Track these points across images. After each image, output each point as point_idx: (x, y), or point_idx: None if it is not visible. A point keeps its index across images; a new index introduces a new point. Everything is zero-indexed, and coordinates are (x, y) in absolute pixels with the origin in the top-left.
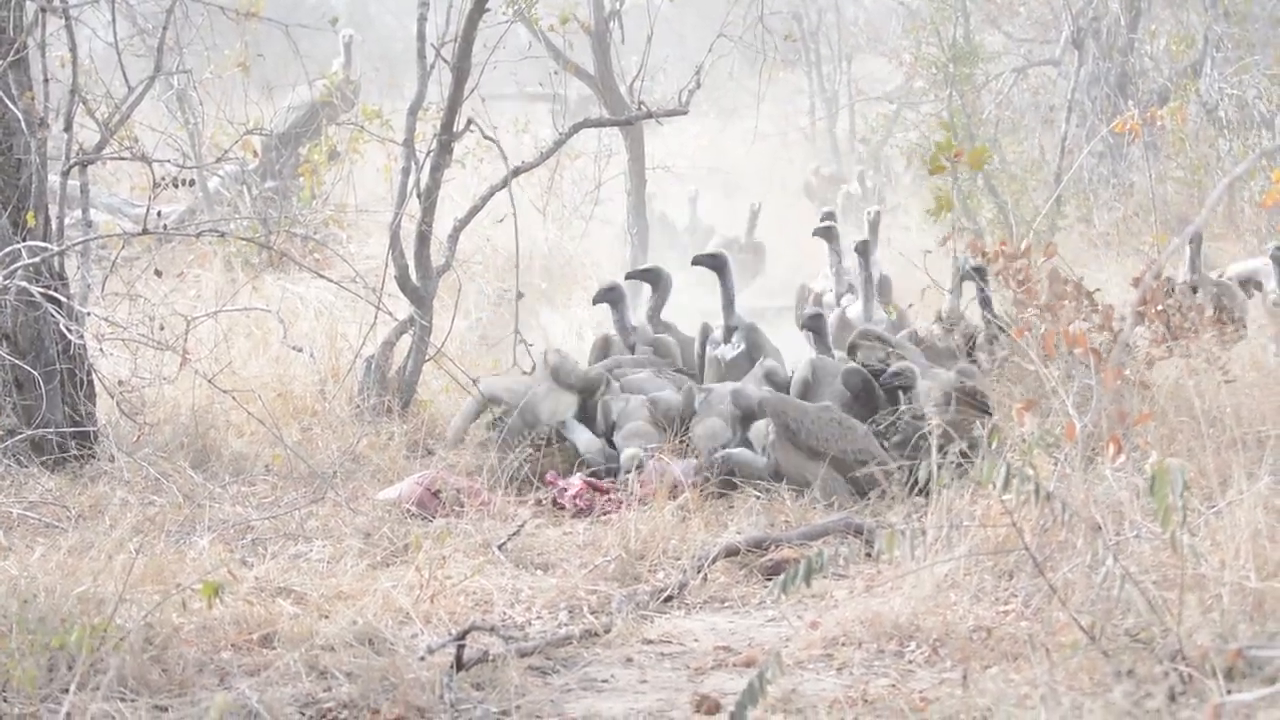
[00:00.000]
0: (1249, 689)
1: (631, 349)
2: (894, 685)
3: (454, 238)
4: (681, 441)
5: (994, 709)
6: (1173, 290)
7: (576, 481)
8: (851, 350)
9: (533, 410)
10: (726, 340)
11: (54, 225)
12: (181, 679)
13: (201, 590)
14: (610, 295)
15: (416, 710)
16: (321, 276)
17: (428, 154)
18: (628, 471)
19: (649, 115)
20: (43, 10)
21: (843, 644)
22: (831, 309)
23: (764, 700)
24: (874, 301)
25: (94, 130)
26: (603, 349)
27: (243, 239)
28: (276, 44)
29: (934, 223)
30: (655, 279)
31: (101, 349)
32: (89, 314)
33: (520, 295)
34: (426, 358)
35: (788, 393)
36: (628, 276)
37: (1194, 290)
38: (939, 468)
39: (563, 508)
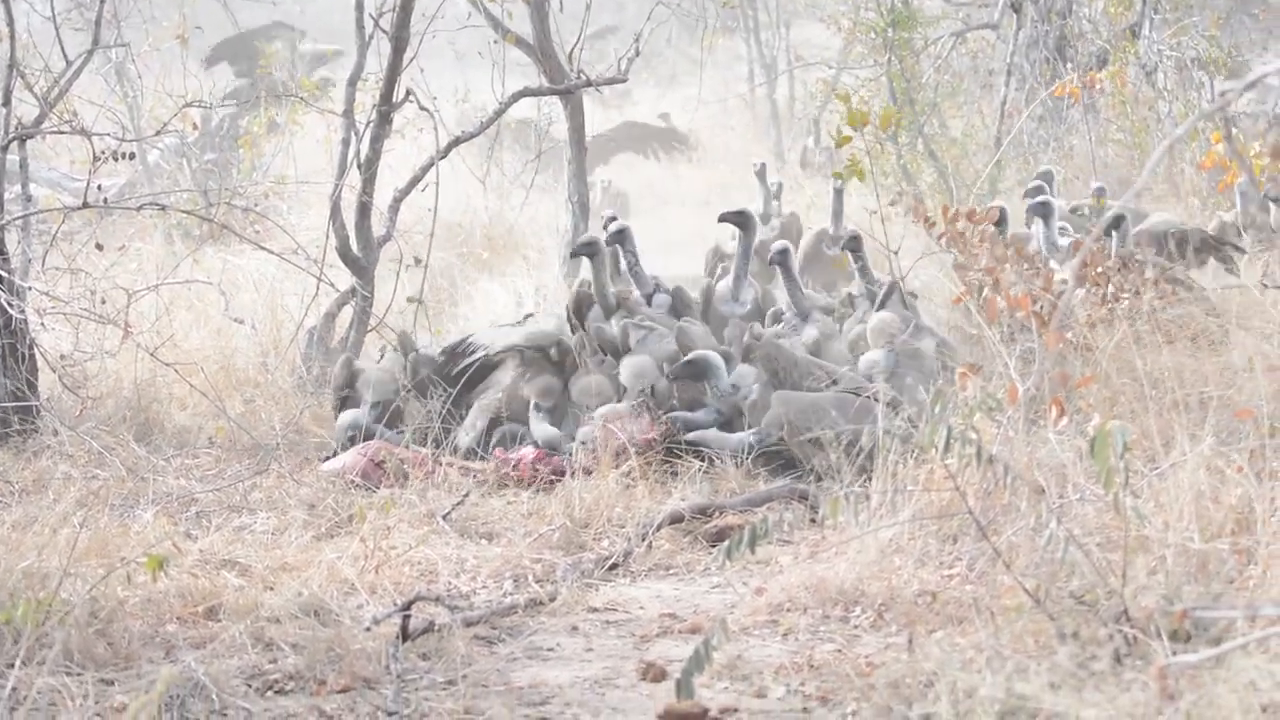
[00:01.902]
0: (1194, 650)
1: (648, 300)
2: (840, 650)
3: (394, 208)
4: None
5: (939, 673)
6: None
7: (530, 451)
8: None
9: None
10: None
11: None
12: (127, 652)
13: (146, 563)
14: (588, 249)
15: (362, 681)
16: (262, 248)
17: (367, 125)
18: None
19: (588, 84)
20: None
21: (788, 610)
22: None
23: (710, 667)
24: (744, 280)
25: (33, 105)
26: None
27: (183, 212)
28: (215, 16)
29: (873, 186)
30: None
31: (43, 323)
32: (30, 288)
33: (418, 260)
34: (369, 328)
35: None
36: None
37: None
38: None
39: (518, 479)
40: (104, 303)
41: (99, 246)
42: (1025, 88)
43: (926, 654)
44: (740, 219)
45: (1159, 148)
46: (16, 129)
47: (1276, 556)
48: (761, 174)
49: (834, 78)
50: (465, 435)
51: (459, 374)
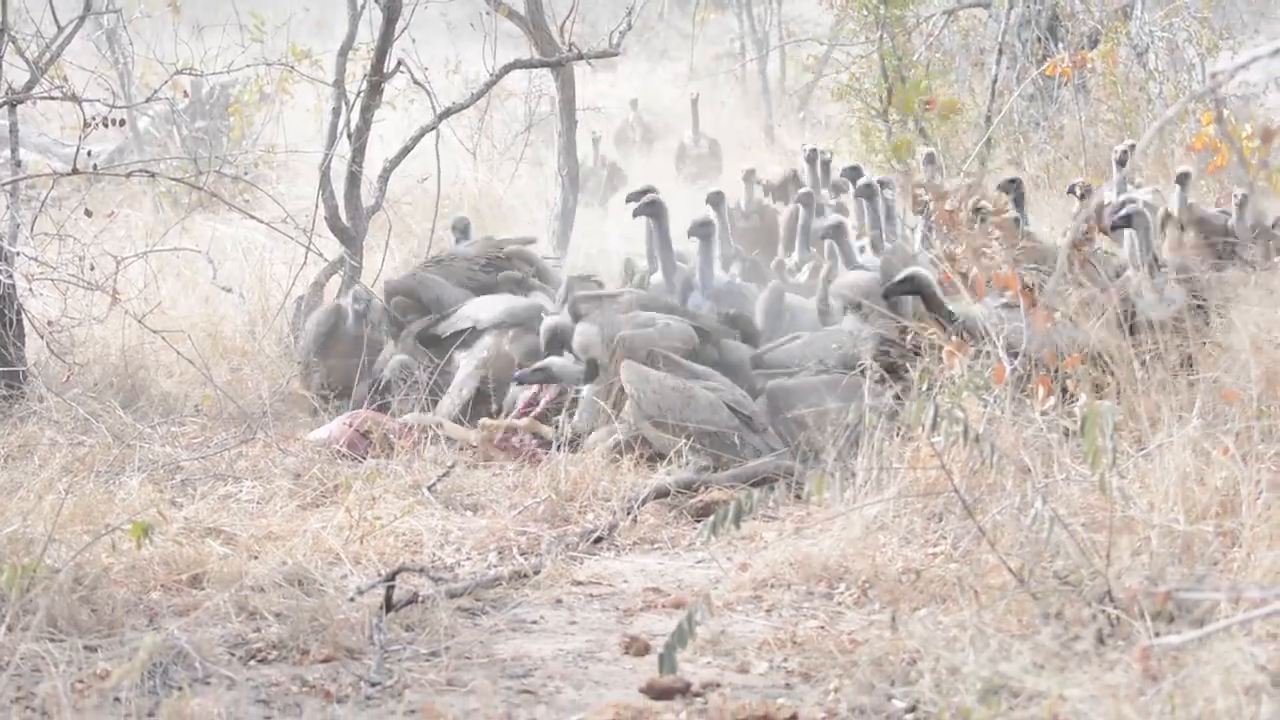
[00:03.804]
0: (1177, 632)
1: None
2: (823, 627)
3: (384, 178)
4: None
5: (923, 651)
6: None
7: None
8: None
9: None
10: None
11: None
12: (111, 619)
13: (131, 531)
14: (652, 209)
15: (346, 651)
16: (251, 217)
17: (358, 95)
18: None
19: (579, 56)
20: None
21: (772, 586)
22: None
23: (693, 642)
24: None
25: (23, 69)
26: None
27: (173, 179)
28: None
29: (865, 163)
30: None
31: (31, 289)
32: (18, 254)
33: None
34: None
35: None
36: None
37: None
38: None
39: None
40: (92, 269)
41: (88, 213)
42: (1016, 67)
43: (910, 632)
44: (653, 209)
45: (1150, 129)
46: (7, 94)
47: (1261, 539)
48: (811, 159)
49: (825, 54)
50: (450, 401)
51: (446, 340)
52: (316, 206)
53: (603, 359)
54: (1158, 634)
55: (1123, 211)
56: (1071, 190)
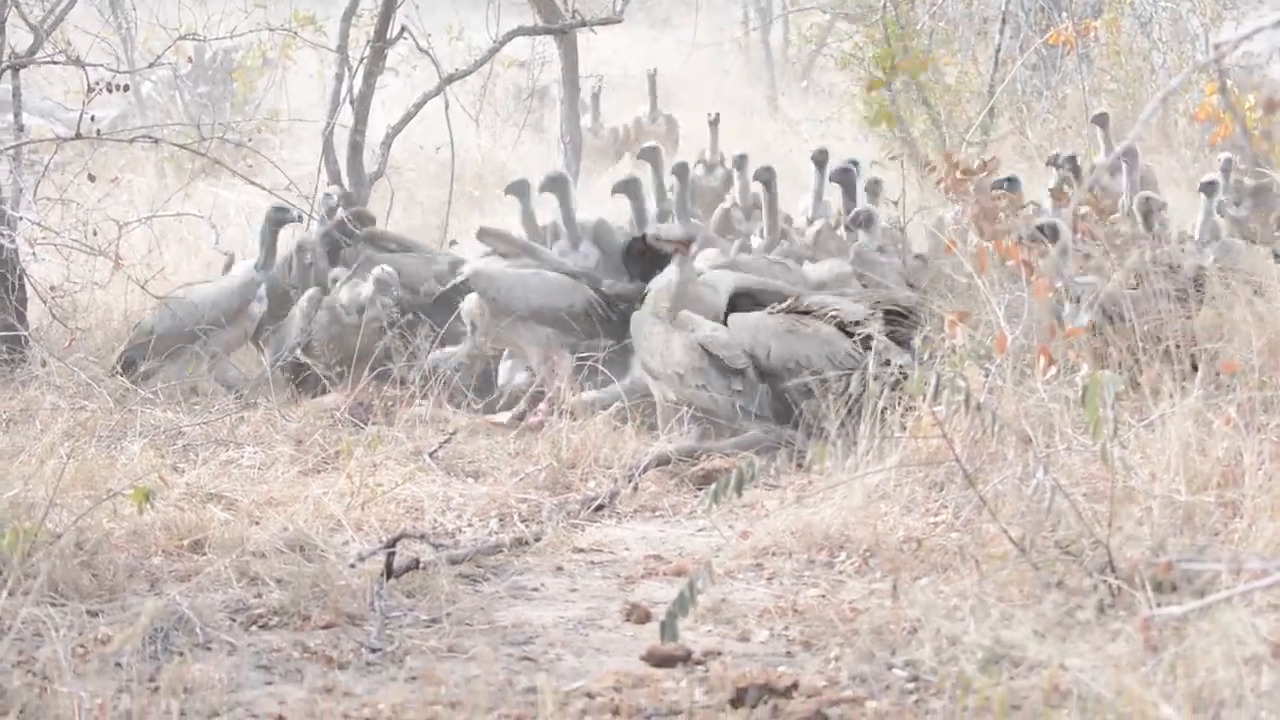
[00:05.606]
0: (1178, 602)
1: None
2: (824, 595)
3: (387, 145)
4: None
5: (923, 620)
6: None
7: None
8: None
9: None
10: None
11: None
12: (112, 584)
13: (132, 496)
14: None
15: (347, 617)
16: (254, 183)
17: (361, 61)
18: None
19: (583, 23)
20: None
21: (773, 554)
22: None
23: (694, 609)
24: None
25: (27, 33)
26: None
27: (175, 145)
28: None
29: (868, 133)
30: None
31: (34, 254)
32: (21, 218)
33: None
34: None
35: None
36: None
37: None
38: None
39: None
40: (95, 234)
41: (91, 178)
42: (1020, 36)
43: (911, 601)
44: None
45: (1153, 99)
46: (10, 58)
47: (1262, 509)
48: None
49: (829, 23)
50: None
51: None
52: (319, 173)
53: (481, 322)
54: (1159, 604)
55: (1207, 178)
56: (1051, 161)
